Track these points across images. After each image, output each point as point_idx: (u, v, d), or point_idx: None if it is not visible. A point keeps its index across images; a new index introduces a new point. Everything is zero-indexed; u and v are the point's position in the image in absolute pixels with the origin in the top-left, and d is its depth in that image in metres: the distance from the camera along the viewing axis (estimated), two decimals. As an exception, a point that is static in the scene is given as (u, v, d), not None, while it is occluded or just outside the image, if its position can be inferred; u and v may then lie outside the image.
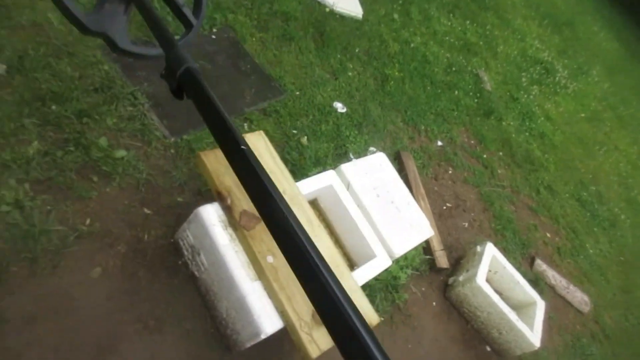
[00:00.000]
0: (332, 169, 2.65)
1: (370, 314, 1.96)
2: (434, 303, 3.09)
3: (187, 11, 1.19)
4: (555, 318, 3.87)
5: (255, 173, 0.65)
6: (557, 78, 6.86)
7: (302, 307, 1.92)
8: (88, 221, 1.99)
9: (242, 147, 0.68)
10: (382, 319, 2.70)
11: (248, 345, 1.97)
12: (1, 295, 1.68)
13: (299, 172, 2.81)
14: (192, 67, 0.81)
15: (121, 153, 2.19)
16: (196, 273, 2.10)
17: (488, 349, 3.16)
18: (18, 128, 1.98)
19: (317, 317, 1.91)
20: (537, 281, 3.87)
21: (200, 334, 2.02)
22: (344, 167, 2.66)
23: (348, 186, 2.61)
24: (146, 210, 2.17)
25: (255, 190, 0.63)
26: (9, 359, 1.60)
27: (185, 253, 2.12)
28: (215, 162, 2.05)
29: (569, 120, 6.43)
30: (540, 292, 3.59)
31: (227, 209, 1.98)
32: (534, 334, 3.02)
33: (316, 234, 2.00)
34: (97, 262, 1.93)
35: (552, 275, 4.11)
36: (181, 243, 2.13)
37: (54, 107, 2.10)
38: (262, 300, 1.89)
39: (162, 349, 1.91)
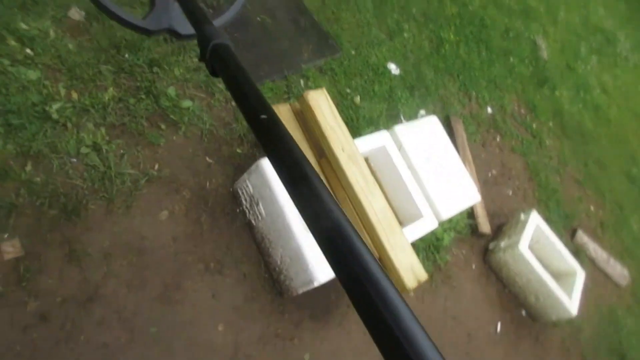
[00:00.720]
0: (385, 129, 2.68)
1: (419, 271, 2.04)
2: (474, 266, 3.15)
3: None
4: (593, 289, 3.88)
5: (283, 143, 0.57)
6: (618, 49, 6.53)
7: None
8: (157, 166, 2.11)
9: (263, 116, 0.61)
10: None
11: (300, 291, 2.10)
12: (81, 231, 1.84)
13: (352, 130, 2.85)
14: (220, 43, 0.76)
15: (187, 103, 2.28)
16: (253, 221, 2.22)
17: (523, 313, 3.23)
18: (95, 74, 2.09)
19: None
20: (577, 253, 3.87)
21: (255, 278, 2.16)
22: (398, 128, 2.69)
23: (400, 147, 2.65)
24: (208, 160, 2.28)
25: (283, 161, 0.58)
26: (89, 290, 1.77)
27: (244, 202, 2.23)
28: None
29: (627, 94, 6.16)
30: (580, 263, 3.60)
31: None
32: (571, 302, 3.06)
33: (371, 191, 2.07)
34: (164, 206, 2.06)
35: (593, 248, 4.09)
36: (240, 192, 2.24)
37: (127, 55, 2.19)
38: (317, 251, 2.00)
39: (221, 288, 2.06)
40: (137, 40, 2.21)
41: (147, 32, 1.00)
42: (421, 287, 2.75)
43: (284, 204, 2.02)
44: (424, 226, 2.49)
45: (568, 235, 4.06)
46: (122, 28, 2.18)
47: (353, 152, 2.11)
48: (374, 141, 2.53)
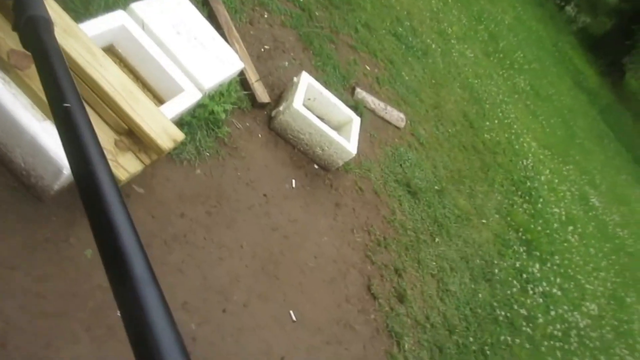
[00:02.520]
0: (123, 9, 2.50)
1: (173, 132, 2.05)
2: (260, 135, 3.30)
3: None
4: (377, 135, 4.40)
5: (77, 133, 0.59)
6: None
7: (101, 137, 1.93)
8: None
9: (66, 104, 0.60)
10: (208, 154, 2.83)
11: (56, 187, 1.96)
12: None
13: (87, 18, 2.60)
14: (39, 15, 0.71)
15: None
16: (-21, 129, 1.96)
17: (315, 166, 3.54)
18: None
19: (121, 144, 1.95)
20: (357, 107, 4.28)
21: (3, 191, 1.96)
22: (135, 5, 2.53)
23: (143, 25, 2.51)
24: None
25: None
26: None
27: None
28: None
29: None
30: (361, 116, 4.01)
31: (-10, 51, 1.81)
32: (350, 143, 3.43)
33: (100, 63, 1.94)
34: None
35: (372, 100, 4.57)
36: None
37: None
38: (55, 137, 1.86)
39: (-41, 208, 1.83)
40: None
41: None
42: (208, 164, 2.81)
43: (1, 99, 1.80)
44: (187, 98, 2.48)
45: (348, 94, 4.45)
46: None
47: (67, 24, 1.93)
48: (109, 22, 2.35)
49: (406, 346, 3.12)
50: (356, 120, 3.72)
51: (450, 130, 5.59)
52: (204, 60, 2.69)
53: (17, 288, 1.80)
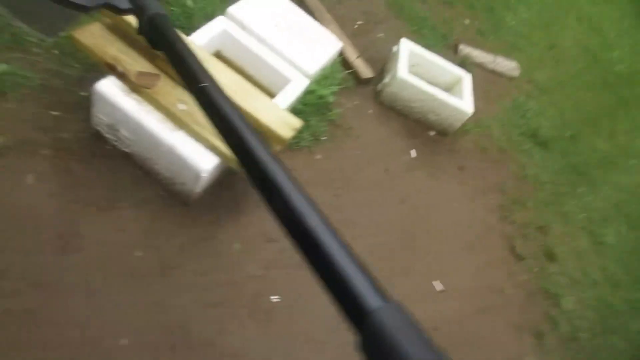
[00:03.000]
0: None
1: (291, 120, 2.09)
2: (370, 111, 3.26)
3: None
4: (490, 90, 4.12)
5: (219, 109, 0.61)
6: None
7: (229, 136, 2.04)
8: (0, 139, 2.00)
9: (203, 84, 0.64)
10: (324, 137, 2.86)
11: (197, 190, 2.12)
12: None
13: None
14: (156, 13, 0.75)
15: (2, 68, 2.13)
16: (126, 150, 2.17)
17: (432, 133, 3.41)
18: None
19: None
20: (464, 64, 4.04)
21: (154, 199, 2.16)
22: (232, 9, 2.63)
23: (243, 26, 2.60)
24: (54, 113, 2.17)
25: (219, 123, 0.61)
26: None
27: (108, 136, 2.17)
28: (92, 37, 2.02)
29: None
30: (467, 71, 3.77)
31: (123, 77, 1.99)
32: (464, 102, 3.24)
33: (213, 67, 2.04)
34: (26, 170, 1.98)
35: (478, 54, 4.28)
36: (100, 129, 2.17)
37: None
38: (189, 145, 1.99)
39: (124, 221, 2.04)
40: None
41: (84, 10, 0.97)
42: (325, 147, 2.83)
43: (137, 117, 1.97)
44: (296, 87, 2.52)
45: (452, 53, 4.21)
46: None
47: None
48: (212, 29, 2.47)
49: (568, 306, 2.88)
50: (467, 77, 3.50)
51: (572, 69, 5.04)
52: (304, 48, 2.71)
53: (186, 283, 1.97)
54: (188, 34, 2.45)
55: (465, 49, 4.23)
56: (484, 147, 3.59)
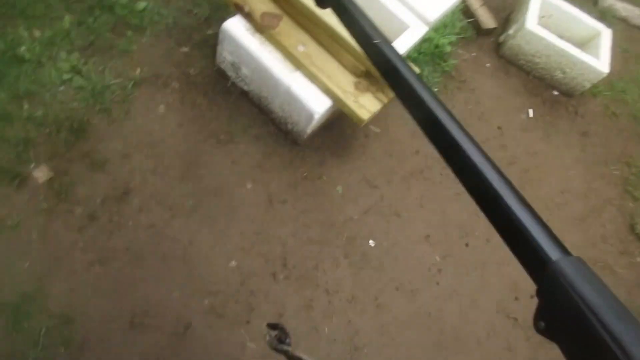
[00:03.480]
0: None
1: (407, 67, 2.04)
2: (488, 64, 3.07)
3: None
4: (631, 49, 3.65)
5: (393, 65, 0.62)
6: None
7: (343, 81, 2.06)
8: (138, 70, 2.21)
9: (376, 41, 0.65)
10: (436, 89, 2.77)
11: (308, 131, 2.19)
12: (94, 143, 2.02)
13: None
14: None
15: (142, 4, 2.32)
16: (245, 87, 2.30)
17: (555, 92, 3.14)
18: (47, 8, 2.18)
19: (360, 85, 2.05)
20: (604, 17, 3.61)
21: (266, 136, 2.28)
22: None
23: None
24: (184, 49, 2.34)
25: (395, 82, 0.63)
26: (121, 186, 1.97)
27: (230, 74, 2.30)
28: (222, -24, 2.11)
29: None
30: (610, 27, 3.37)
31: (248, 17, 2.08)
32: (600, 61, 2.92)
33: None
34: (159, 101, 2.19)
35: (623, 7, 3.78)
36: (223, 66, 2.31)
37: (67, -19, 2.25)
38: (306, 86, 2.05)
39: (238, 154, 2.20)
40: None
41: None
42: (436, 99, 2.75)
43: (259, 56, 2.06)
44: (414, 34, 2.44)
45: (590, 4, 3.77)
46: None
47: None
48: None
49: (688, 294, 2.61)
50: (606, 33, 3.13)
51: None
52: (426, -8, 2.60)
53: (288, 218, 2.10)
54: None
55: (607, 0, 3.76)
56: (615, 112, 3.24)
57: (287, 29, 2.09)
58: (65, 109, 2.03)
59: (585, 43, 3.20)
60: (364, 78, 2.10)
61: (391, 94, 2.12)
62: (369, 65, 2.02)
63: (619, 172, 2.98)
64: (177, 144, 2.13)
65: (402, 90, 0.61)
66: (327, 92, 2.05)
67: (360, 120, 2.03)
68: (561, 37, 3.12)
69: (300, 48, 2.06)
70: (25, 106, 1.98)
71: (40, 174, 1.89)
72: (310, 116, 2.08)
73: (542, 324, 0.39)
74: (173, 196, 2.02)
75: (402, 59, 0.63)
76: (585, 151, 3.00)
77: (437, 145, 0.56)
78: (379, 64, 0.65)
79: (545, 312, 0.40)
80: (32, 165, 1.90)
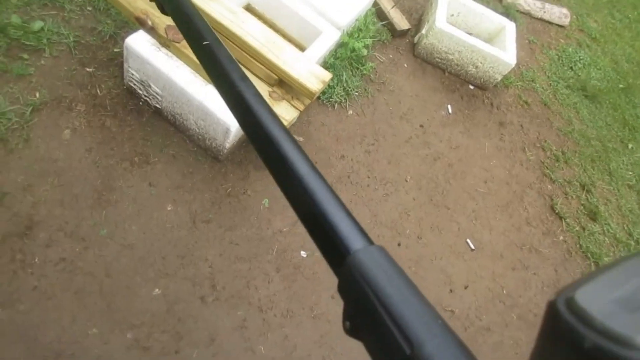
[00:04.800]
0: (252, -34, 2.54)
1: (320, 73, 2.03)
2: (405, 65, 3.14)
3: None
4: (537, 41, 3.88)
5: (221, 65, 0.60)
6: None
7: (260, 84, 2.02)
8: (37, 95, 2.06)
9: (205, 42, 0.64)
10: (356, 93, 2.79)
11: (227, 145, 2.13)
12: (-8, 177, 1.85)
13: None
14: None
15: (38, 25, 2.17)
16: (157, 105, 2.20)
17: (471, 87, 3.27)
18: None
19: (275, 94, 2.01)
20: (508, 12, 3.81)
21: (185, 154, 2.19)
22: (262, -42, 2.54)
23: (273, -23, 2.52)
24: (88, 69, 2.21)
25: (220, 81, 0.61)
26: (23, 221, 1.81)
27: (140, 92, 2.20)
28: (120, -9, 2.01)
29: None
30: (514, 21, 3.55)
31: (152, 31, 1.99)
32: (507, 53, 3.06)
33: (242, 20, 2.00)
34: (63, 126, 2.04)
35: (524, 1, 4.01)
36: (132, 84, 2.20)
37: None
38: (219, 100, 1.99)
39: (155, 175, 2.10)
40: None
41: None
42: (358, 103, 2.77)
43: (168, 73, 1.98)
44: (327, 39, 2.45)
45: (496, 1, 3.96)
46: None
47: (206, -7, 2.01)
48: (242, -19, 2.41)
49: (606, 266, 2.77)
50: (510, 27, 3.29)
51: (630, 15, 4.66)
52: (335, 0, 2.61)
53: (214, 238, 2.02)
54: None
55: (511, -4, 3.97)
56: (526, 101, 3.41)
57: (194, 41, 2.02)
58: (-47, 144, 1.85)
59: (493, 38, 3.36)
60: (278, 87, 2.07)
61: (307, 101, 2.10)
62: (281, 73, 1.99)
63: (534, 157, 3.13)
64: (86, 170, 1.99)
65: (228, 94, 0.59)
66: (242, 103, 1.99)
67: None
68: (470, 33, 3.26)
69: (210, 60, 2.00)
70: None
71: None
72: (226, 130, 2.01)
73: (347, 323, 0.36)
74: (84, 226, 1.88)
75: (230, 57, 0.61)
76: (504, 140, 3.13)
77: (244, 127, 0.55)
78: (204, 63, 0.64)
79: (347, 309, 0.37)
80: None
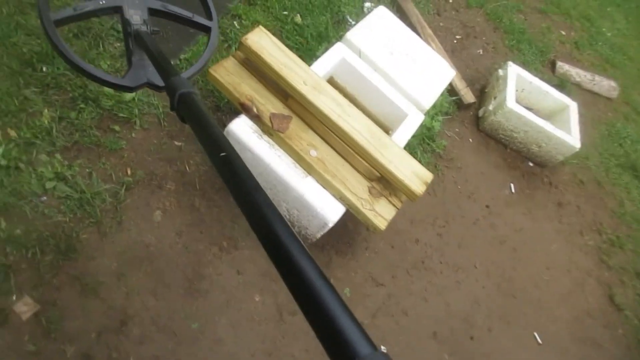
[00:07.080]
0: (338, 40, 2.51)
1: (423, 173, 2.00)
2: (470, 139, 3.13)
3: (199, 18, 1.26)
4: (587, 114, 3.89)
5: (241, 179, 0.64)
6: None
7: (357, 187, 1.98)
8: (129, 171, 2.00)
9: (223, 154, 0.67)
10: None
11: (318, 236, 2.08)
12: (84, 263, 1.78)
13: (305, 54, 2.69)
14: (185, 92, 0.80)
15: (130, 95, 2.11)
16: (246, 186, 2.14)
17: (530, 164, 3.26)
18: (22, 102, 1.91)
19: (374, 190, 1.97)
20: (562, 84, 3.83)
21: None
22: (350, 35, 2.51)
23: (360, 53, 2.50)
24: (177, 143, 2.16)
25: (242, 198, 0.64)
26: (118, 315, 1.74)
27: (230, 171, 2.14)
28: (227, 75, 1.97)
29: None
30: (568, 94, 3.57)
31: (256, 118, 1.94)
32: (572, 137, 3.07)
33: (348, 114, 1.97)
34: (154, 206, 1.98)
35: (576, 73, 4.03)
36: (222, 163, 2.14)
37: (45, 68, 1.99)
38: (319, 193, 1.95)
39: (243, 262, 2.04)
40: (48, 49, 1.99)
41: (129, 89, 1.11)
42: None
43: (269, 161, 1.93)
44: (412, 124, 2.42)
45: (549, 71, 3.99)
46: (25, 42, 1.97)
47: (315, 81, 1.98)
48: (331, 58, 2.38)
49: (668, 366, 2.76)
50: (573, 107, 3.30)
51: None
52: (420, 79, 2.59)
53: (300, 332, 1.97)
54: (302, 52, 2.37)
55: (563, 67, 3.99)
56: (582, 180, 3.42)
57: (297, 131, 1.98)
58: (49, 224, 1.78)
59: (554, 115, 3.36)
60: (377, 182, 2.04)
61: (404, 197, 2.07)
62: (385, 172, 1.95)
63: (592, 242, 3.12)
64: (177, 256, 1.93)
65: (243, 202, 0.63)
66: (342, 198, 1.95)
67: (377, 229, 1.96)
68: (530, 109, 3.26)
69: (313, 153, 1.96)
70: (3, 224, 1.71)
71: (24, 308, 1.63)
72: (323, 224, 1.97)
73: None
74: (176, 319, 1.82)
75: (245, 168, 0.66)
76: (562, 222, 3.12)
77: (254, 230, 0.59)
78: (223, 173, 0.67)
79: None
80: (14, 297, 1.63)
